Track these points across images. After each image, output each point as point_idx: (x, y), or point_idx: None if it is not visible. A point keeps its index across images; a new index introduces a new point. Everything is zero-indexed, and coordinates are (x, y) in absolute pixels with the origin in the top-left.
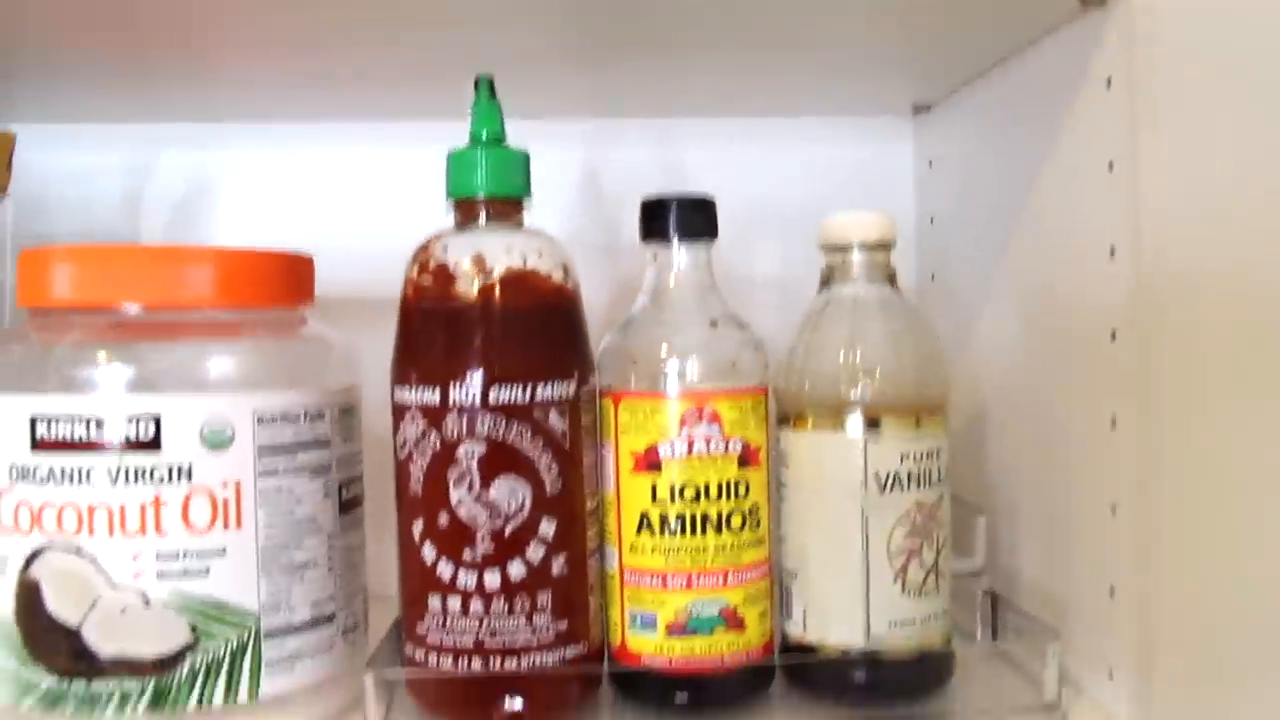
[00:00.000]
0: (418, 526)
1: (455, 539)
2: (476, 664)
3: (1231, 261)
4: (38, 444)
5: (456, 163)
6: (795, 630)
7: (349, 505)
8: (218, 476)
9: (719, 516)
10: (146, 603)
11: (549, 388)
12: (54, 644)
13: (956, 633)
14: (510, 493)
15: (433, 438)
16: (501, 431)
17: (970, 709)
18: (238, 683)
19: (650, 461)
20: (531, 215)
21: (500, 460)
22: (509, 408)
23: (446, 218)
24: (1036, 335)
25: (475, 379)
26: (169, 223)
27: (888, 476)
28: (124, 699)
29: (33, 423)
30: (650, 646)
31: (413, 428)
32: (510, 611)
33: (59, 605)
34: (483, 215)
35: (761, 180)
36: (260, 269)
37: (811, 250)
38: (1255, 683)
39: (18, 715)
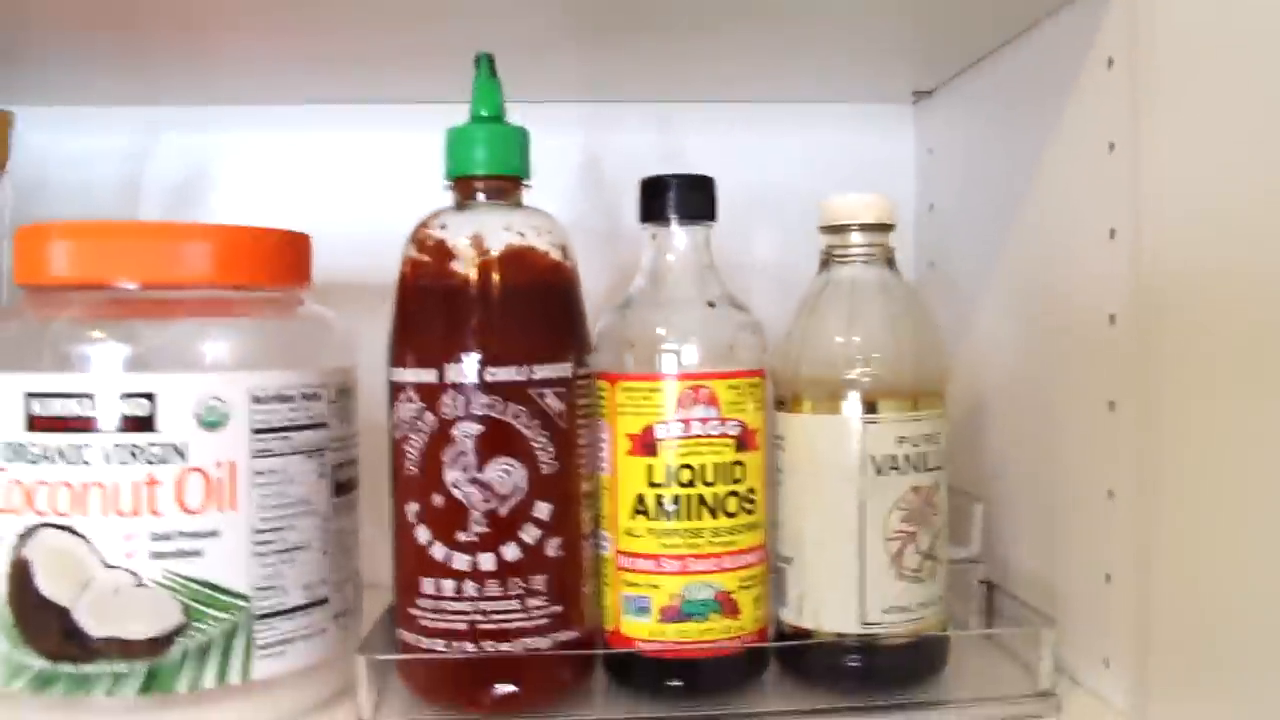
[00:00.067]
0: (412, 508)
1: (449, 520)
2: (469, 647)
3: (1232, 244)
4: (32, 422)
5: (455, 139)
6: (790, 616)
7: (343, 488)
8: (212, 457)
9: (715, 499)
10: (139, 583)
11: (546, 368)
12: (45, 624)
13: (952, 621)
14: (505, 474)
15: (428, 417)
16: (498, 411)
17: (965, 697)
18: (229, 665)
19: (646, 443)
20: (530, 200)
21: (496, 441)
22: (506, 387)
23: (445, 201)
24: (1035, 322)
25: (472, 357)
26: (168, 205)
27: (885, 459)
28: (115, 681)
29: (28, 400)
30: (644, 631)
31: (408, 407)
32: (504, 594)
33: (51, 585)
34: (481, 193)
35: (761, 166)
36: (258, 247)
37: (810, 237)
38: (1251, 672)
39: (8, 697)
